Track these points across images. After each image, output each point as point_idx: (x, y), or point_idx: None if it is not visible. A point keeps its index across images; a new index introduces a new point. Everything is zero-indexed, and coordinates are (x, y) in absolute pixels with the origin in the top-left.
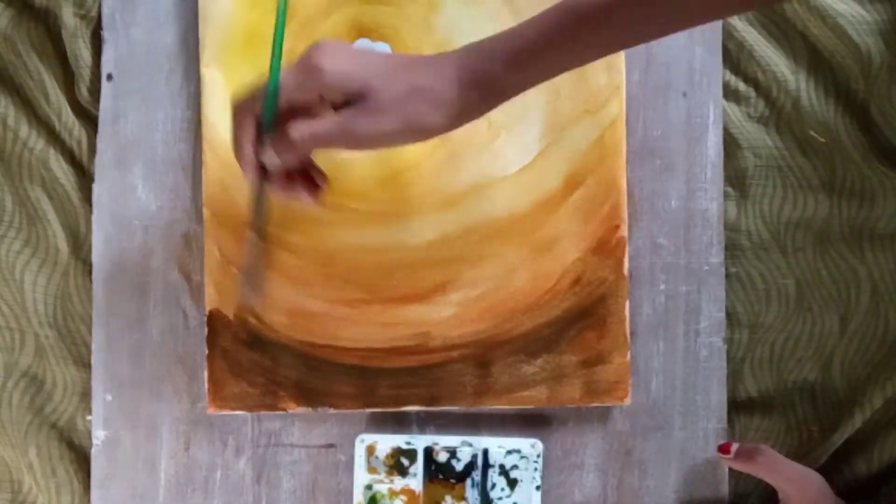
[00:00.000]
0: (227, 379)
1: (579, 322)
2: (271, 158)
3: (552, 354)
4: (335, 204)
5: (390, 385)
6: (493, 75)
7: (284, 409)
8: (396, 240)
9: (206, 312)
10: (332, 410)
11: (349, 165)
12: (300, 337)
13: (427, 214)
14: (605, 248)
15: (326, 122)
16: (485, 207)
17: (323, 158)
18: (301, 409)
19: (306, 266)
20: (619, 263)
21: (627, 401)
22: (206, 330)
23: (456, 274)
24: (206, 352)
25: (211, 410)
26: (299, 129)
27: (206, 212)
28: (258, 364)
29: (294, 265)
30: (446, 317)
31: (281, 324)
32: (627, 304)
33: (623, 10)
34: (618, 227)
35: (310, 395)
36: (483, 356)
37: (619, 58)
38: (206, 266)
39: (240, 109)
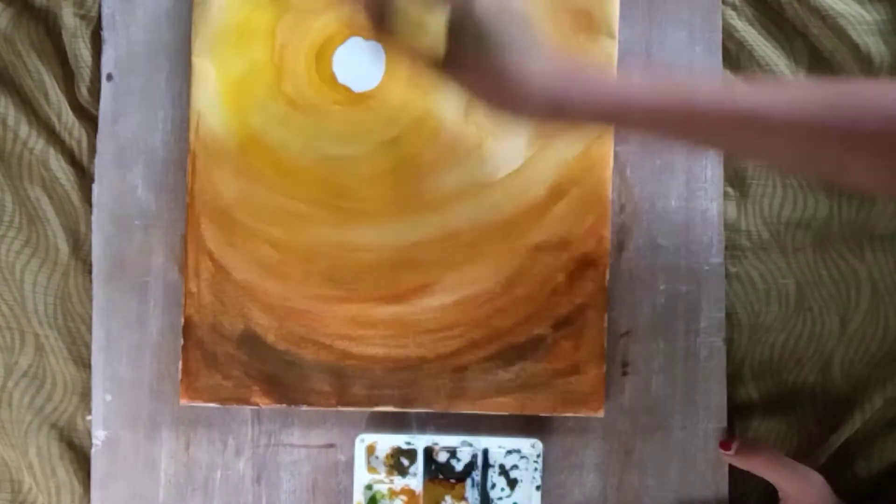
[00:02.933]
0: (201, 370)
1: (557, 331)
2: None
3: (528, 362)
4: (319, 200)
5: (365, 385)
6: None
7: (257, 404)
8: (378, 240)
9: (184, 302)
10: (304, 408)
11: (335, 162)
12: (277, 332)
13: (410, 216)
14: (587, 258)
15: None
16: (468, 212)
17: (310, 154)
18: (274, 405)
19: (287, 261)
20: (601, 275)
21: (601, 413)
22: (182, 320)
23: (436, 277)
24: (182, 342)
25: (183, 401)
26: None
27: (190, 201)
28: (233, 357)
29: (274, 260)
30: (424, 319)
31: (259, 318)
32: (606, 316)
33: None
34: (601, 238)
35: (284, 392)
36: (459, 361)
37: (611, 68)
38: (187, 255)
39: None
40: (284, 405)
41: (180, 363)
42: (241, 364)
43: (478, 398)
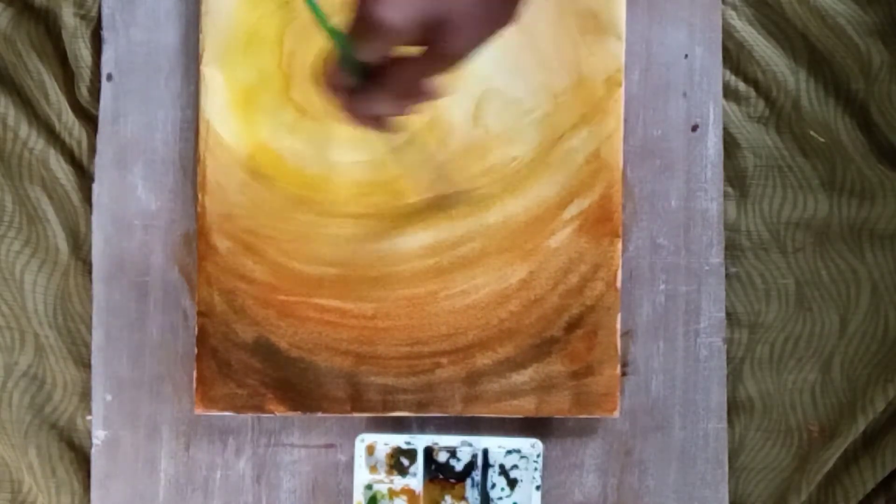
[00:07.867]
0: (215, 379)
1: (570, 333)
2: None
3: (542, 364)
4: (329, 207)
5: (379, 390)
6: None
7: (273, 412)
8: (388, 246)
9: (196, 310)
10: (320, 414)
11: (344, 169)
12: (290, 339)
13: (421, 221)
14: (599, 259)
15: None
16: (479, 216)
17: (319, 161)
18: (290, 413)
19: (298, 268)
20: (612, 276)
21: (616, 413)
22: (196, 329)
23: (447, 282)
24: (196, 351)
25: (198, 411)
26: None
27: (200, 210)
28: (248, 365)
29: (286, 266)
30: (437, 323)
31: (271, 325)
32: (619, 316)
33: None
34: (612, 240)
35: (299, 399)
36: (473, 364)
37: (619, 72)
38: (199, 264)
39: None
40: (300, 413)
41: (194, 372)
42: (255, 372)
43: (492, 401)
